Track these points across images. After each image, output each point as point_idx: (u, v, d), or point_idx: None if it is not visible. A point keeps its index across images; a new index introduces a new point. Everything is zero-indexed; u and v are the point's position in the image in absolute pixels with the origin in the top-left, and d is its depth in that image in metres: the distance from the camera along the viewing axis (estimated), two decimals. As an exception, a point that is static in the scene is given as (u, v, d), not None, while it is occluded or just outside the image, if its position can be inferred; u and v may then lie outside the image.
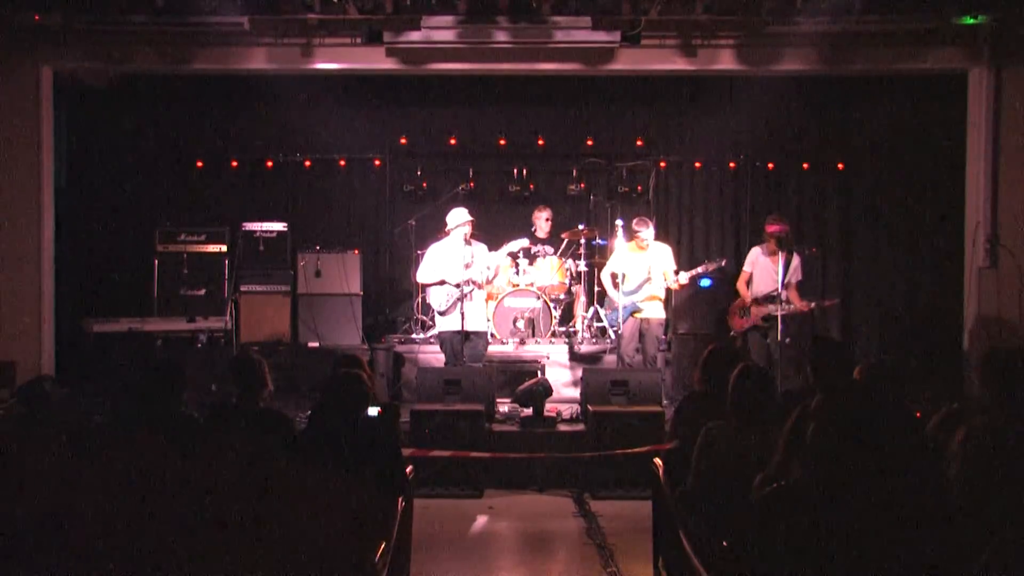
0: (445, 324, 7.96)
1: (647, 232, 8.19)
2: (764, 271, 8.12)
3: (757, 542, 2.46)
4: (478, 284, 7.94)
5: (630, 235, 8.25)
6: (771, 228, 8.11)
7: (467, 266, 7.83)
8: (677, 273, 8.25)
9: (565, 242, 9.36)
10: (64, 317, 8.81)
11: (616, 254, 8.29)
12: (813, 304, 8.01)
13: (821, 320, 9.48)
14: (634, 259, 8.22)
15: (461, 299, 7.76)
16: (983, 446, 2.35)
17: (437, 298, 7.96)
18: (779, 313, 7.69)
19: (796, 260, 8.08)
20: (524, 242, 8.62)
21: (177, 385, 4.20)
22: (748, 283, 8.28)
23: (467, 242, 7.90)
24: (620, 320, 8.10)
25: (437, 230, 9.12)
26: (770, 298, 7.94)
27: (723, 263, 8.40)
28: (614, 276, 8.16)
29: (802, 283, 8.25)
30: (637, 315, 8.17)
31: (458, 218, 8.00)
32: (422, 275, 8.14)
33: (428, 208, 9.75)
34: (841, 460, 2.43)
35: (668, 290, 8.39)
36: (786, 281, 7.84)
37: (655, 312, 8.25)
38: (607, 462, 6.46)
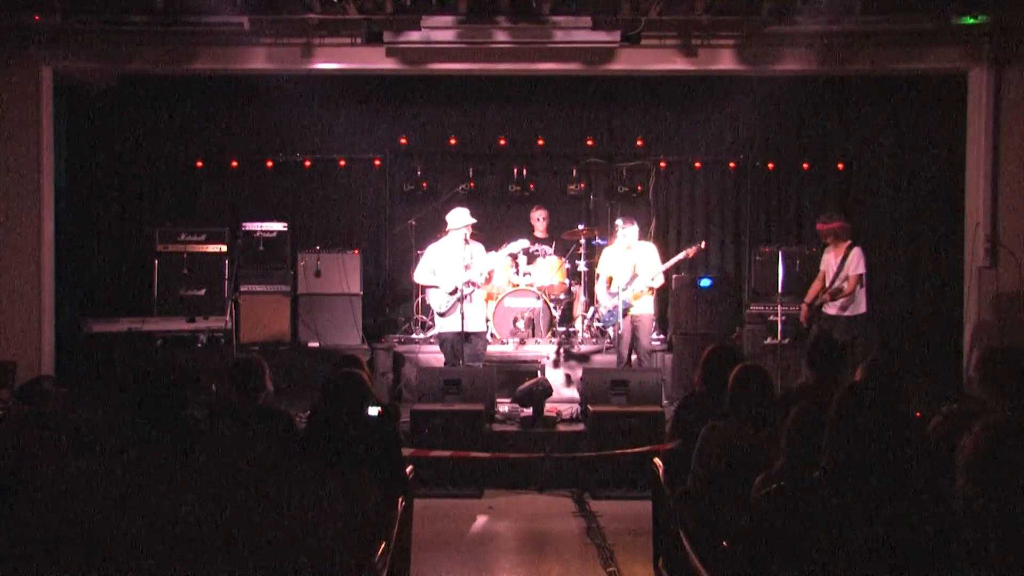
0: (445, 325, 7.96)
1: (628, 230, 8.24)
2: (828, 268, 8.16)
3: (757, 542, 2.46)
4: (477, 285, 7.96)
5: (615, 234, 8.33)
6: (819, 227, 8.22)
7: (467, 267, 7.85)
8: (664, 275, 8.30)
9: (572, 244, 9.34)
10: (64, 317, 8.81)
11: (603, 259, 8.35)
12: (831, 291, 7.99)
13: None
14: (621, 259, 8.26)
15: (461, 300, 7.76)
16: (999, 441, 2.34)
17: (437, 299, 7.95)
18: (779, 317, 7.71)
19: (855, 252, 7.99)
20: (524, 243, 8.64)
21: (178, 385, 4.19)
22: (823, 282, 8.28)
23: (466, 242, 7.91)
24: (608, 321, 8.15)
25: (437, 230, 9.12)
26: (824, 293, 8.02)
27: (703, 244, 8.44)
28: (609, 280, 8.22)
29: (863, 276, 8.06)
30: (628, 313, 8.19)
31: (459, 219, 7.99)
32: (419, 275, 8.15)
33: (428, 208, 9.75)
34: (842, 460, 2.44)
35: (656, 289, 8.40)
36: (844, 275, 7.92)
37: (644, 309, 8.28)
38: (607, 462, 6.46)
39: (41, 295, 8.50)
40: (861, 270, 8.02)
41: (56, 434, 3.46)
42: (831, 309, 7.99)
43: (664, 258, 8.53)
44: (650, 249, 8.43)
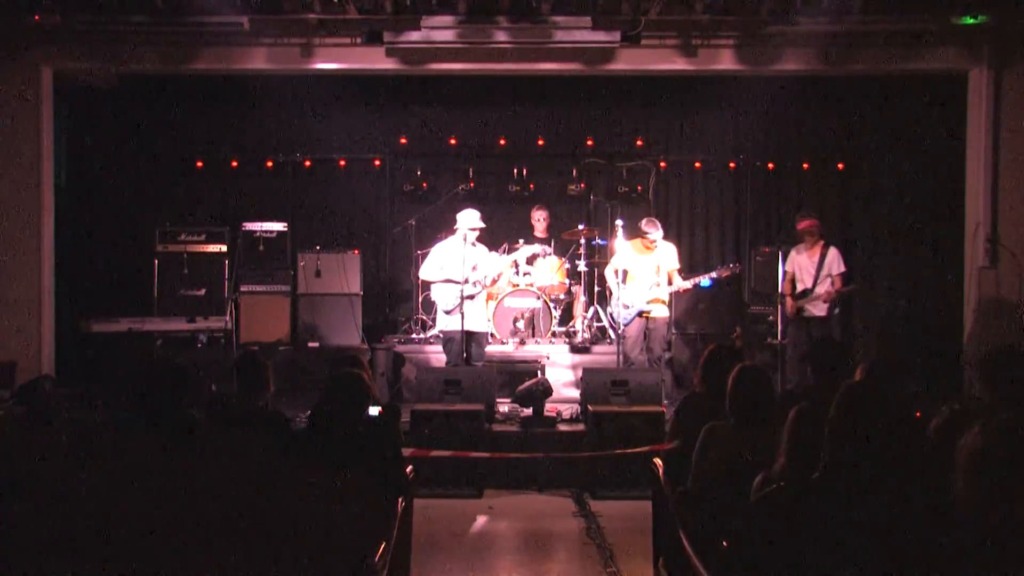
0: (450, 323, 7.97)
1: (656, 234, 8.20)
2: (801, 269, 8.22)
3: (757, 542, 2.46)
4: (485, 286, 8.04)
5: (635, 234, 8.28)
6: (801, 225, 8.27)
7: (474, 268, 7.91)
8: (682, 274, 8.30)
9: (572, 244, 9.35)
10: (64, 317, 8.81)
11: (619, 253, 8.31)
12: (834, 289, 8.01)
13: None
14: (641, 259, 8.23)
15: (468, 298, 7.83)
16: (999, 441, 2.34)
17: (444, 297, 7.97)
18: (779, 317, 7.76)
19: (832, 252, 8.11)
20: (534, 249, 8.70)
21: (178, 385, 4.19)
22: (792, 283, 8.30)
23: (473, 245, 7.98)
24: (622, 321, 8.11)
25: (437, 230, 9.14)
26: (804, 294, 8.07)
27: (738, 268, 8.48)
28: (617, 273, 8.19)
29: (845, 274, 8.21)
30: (645, 315, 8.20)
31: (468, 221, 8.01)
32: (426, 272, 8.15)
33: (428, 208, 9.76)
34: (842, 460, 2.44)
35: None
36: (825, 274, 8.01)
37: (661, 312, 8.28)
38: (607, 462, 6.46)
39: (41, 295, 8.50)
40: (843, 268, 8.13)
41: (56, 434, 3.47)
42: (815, 310, 8.01)
43: (682, 259, 8.57)
44: (671, 250, 8.43)
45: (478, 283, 7.95)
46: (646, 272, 8.17)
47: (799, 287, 8.19)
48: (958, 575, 2.23)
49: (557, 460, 6.75)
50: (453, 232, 8.13)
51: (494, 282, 8.41)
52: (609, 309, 9.00)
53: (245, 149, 10.17)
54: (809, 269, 8.11)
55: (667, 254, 8.33)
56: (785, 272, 8.38)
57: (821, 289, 8.03)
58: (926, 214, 9.93)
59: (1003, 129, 8.51)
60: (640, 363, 8.17)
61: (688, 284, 8.27)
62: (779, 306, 8.32)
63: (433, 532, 5.63)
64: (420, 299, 9.48)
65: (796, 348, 7.97)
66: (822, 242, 8.18)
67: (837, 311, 8.20)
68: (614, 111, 10.26)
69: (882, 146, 10.05)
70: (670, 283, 8.25)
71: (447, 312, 7.96)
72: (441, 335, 8.29)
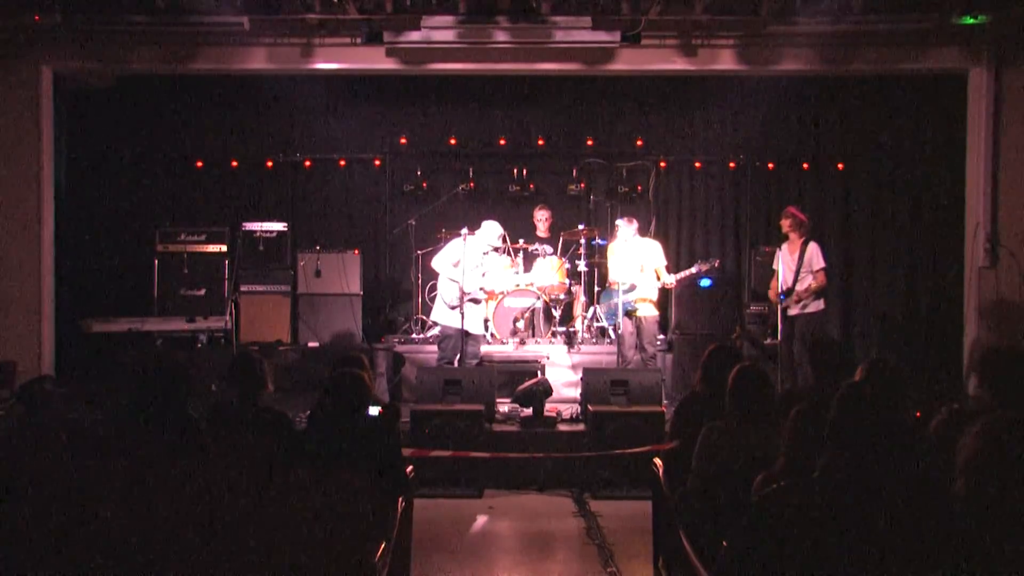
0: (449, 318, 7.99)
1: (627, 228, 8.27)
2: (783, 267, 8.12)
3: (757, 542, 2.46)
4: (489, 293, 8.19)
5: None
6: (782, 221, 8.19)
7: (483, 275, 8.06)
8: (670, 270, 8.31)
9: (572, 244, 9.37)
10: (64, 317, 8.81)
11: (609, 256, 8.39)
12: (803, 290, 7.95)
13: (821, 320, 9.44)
14: (625, 258, 8.26)
15: (472, 301, 7.96)
16: (999, 441, 2.34)
17: (450, 292, 7.99)
18: (779, 317, 7.75)
19: (812, 248, 7.95)
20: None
21: (178, 385, 4.18)
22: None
23: (486, 253, 8.14)
24: (619, 319, 8.16)
25: (437, 230, 9.15)
26: (787, 293, 7.96)
27: (716, 263, 8.47)
28: (612, 284, 8.32)
29: (826, 270, 8.04)
30: (632, 314, 8.21)
31: (489, 237, 8.12)
32: (438, 262, 8.16)
33: (428, 208, 9.76)
34: (842, 460, 2.44)
35: (661, 290, 8.42)
36: (805, 271, 7.88)
37: (648, 311, 8.30)
38: (607, 462, 6.46)
39: (41, 295, 8.50)
40: (823, 264, 7.97)
41: (56, 434, 3.47)
42: (793, 309, 7.91)
43: (668, 256, 8.61)
44: (654, 247, 8.44)
45: (483, 289, 8.13)
46: (629, 271, 8.19)
47: (782, 287, 8.10)
48: (958, 574, 2.23)
49: (557, 460, 6.75)
50: (457, 235, 8.10)
51: (503, 296, 8.63)
52: (593, 310, 9.04)
53: (245, 149, 10.16)
54: (790, 265, 7.99)
55: (649, 252, 8.34)
56: (774, 271, 8.36)
57: (800, 289, 7.95)
58: (926, 214, 9.92)
59: (1003, 129, 8.51)
60: (636, 362, 8.19)
61: (673, 280, 8.28)
62: (778, 307, 8.29)
63: (433, 532, 5.63)
64: (420, 299, 9.48)
65: (782, 348, 7.92)
66: (802, 239, 8.04)
67: (808, 310, 8.06)
68: (614, 111, 10.25)
69: (882, 146, 10.04)
70: (658, 279, 8.27)
71: (451, 307, 8.00)
72: (439, 333, 8.31)
